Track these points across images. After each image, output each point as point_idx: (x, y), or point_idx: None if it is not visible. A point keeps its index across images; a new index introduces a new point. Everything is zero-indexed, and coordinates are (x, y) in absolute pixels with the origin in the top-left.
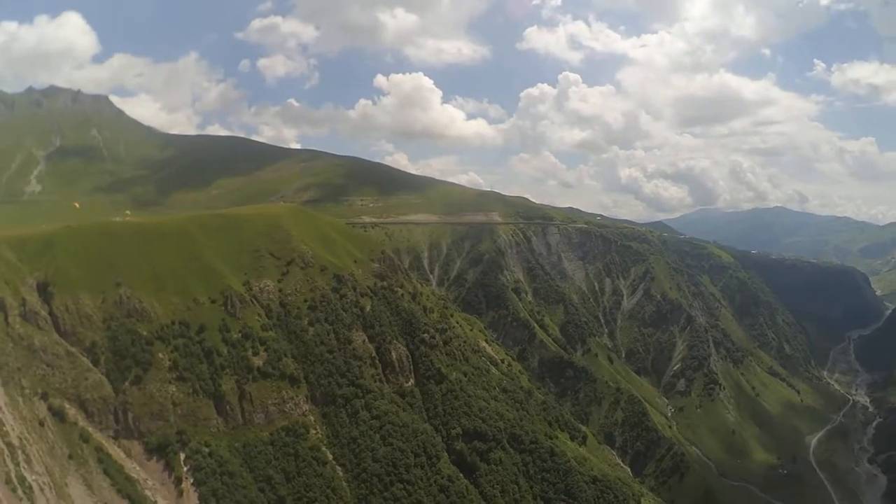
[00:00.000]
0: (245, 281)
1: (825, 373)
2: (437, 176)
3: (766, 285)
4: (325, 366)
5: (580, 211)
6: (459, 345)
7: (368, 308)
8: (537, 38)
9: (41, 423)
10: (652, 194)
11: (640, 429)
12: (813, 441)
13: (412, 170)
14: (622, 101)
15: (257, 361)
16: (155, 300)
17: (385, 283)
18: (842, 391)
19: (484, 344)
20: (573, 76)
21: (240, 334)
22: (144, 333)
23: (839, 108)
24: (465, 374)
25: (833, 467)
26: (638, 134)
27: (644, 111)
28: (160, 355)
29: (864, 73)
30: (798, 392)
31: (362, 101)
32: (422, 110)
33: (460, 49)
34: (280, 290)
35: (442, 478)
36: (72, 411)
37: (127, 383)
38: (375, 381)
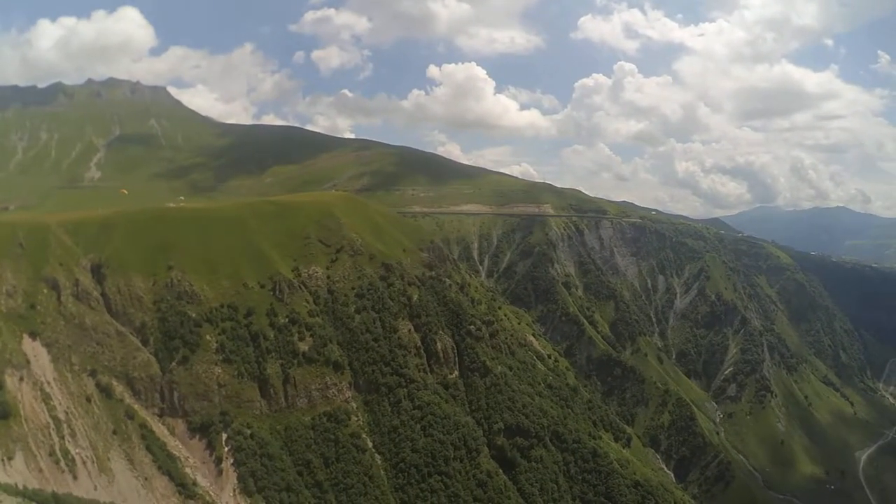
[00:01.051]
0: (294, 267)
1: (881, 385)
2: (490, 167)
3: (824, 289)
4: (370, 354)
5: (634, 205)
6: (506, 338)
7: (416, 297)
8: (592, 27)
9: (88, 399)
10: (709, 190)
11: (687, 433)
12: (863, 456)
13: (465, 160)
14: (680, 92)
15: (303, 346)
16: (205, 283)
17: (433, 273)
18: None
19: (531, 338)
20: (629, 66)
21: (287, 319)
22: (193, 315)
23: None
24: (511, 368)
25: (883, 486)
26: (696, 126)
27: (703, 103)
28: (207, 337)
29: None
30: (852, 404)
31: (415, 92)
32: (475, 100)
33: (513, 38)
34: (328, 277)
35: (481, 472)
36: (119, 388)
37: (174, 363)
38: (419, 372)
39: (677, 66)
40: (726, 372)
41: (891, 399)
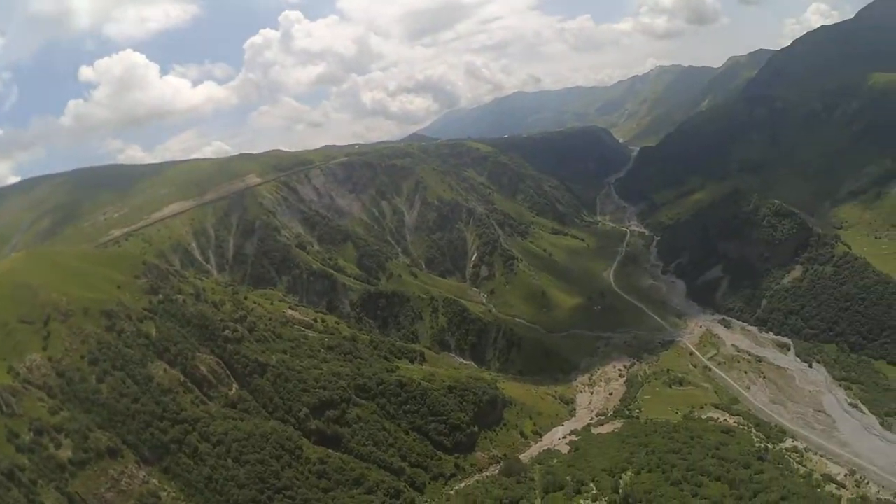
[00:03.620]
0: (8, 367)
1: (598, 217)
2: (180, 157)
3: (525, 161)
4: (137, 418)
5: (337, 146)
6: (265, 325)
7: (154, 332)
8: None
9: None
10: (400, 111)
11: (466, 324)
12: (610, 274)
13: (151, 160)
14: (350, 28)
15: (64, 454)
16: None
17: (161, 297)
18: (617, 227)
19: (291, 312)
20: (294, 14)
21: (31, 433)
22: None
23: None
24: (285, 352)
25: (637, 289)
26: (372, 57)
27: (373, 33)
28: None
29: None
30: (583, 240)
31: (72, 103)
32: (140, 91)
33: (167, 12)
34: (50, 359)
35: (314, 464)
36: None
37: None
38: (198, 406)
39: (341, 5)
40: (473, 259)
41: (611, 224)
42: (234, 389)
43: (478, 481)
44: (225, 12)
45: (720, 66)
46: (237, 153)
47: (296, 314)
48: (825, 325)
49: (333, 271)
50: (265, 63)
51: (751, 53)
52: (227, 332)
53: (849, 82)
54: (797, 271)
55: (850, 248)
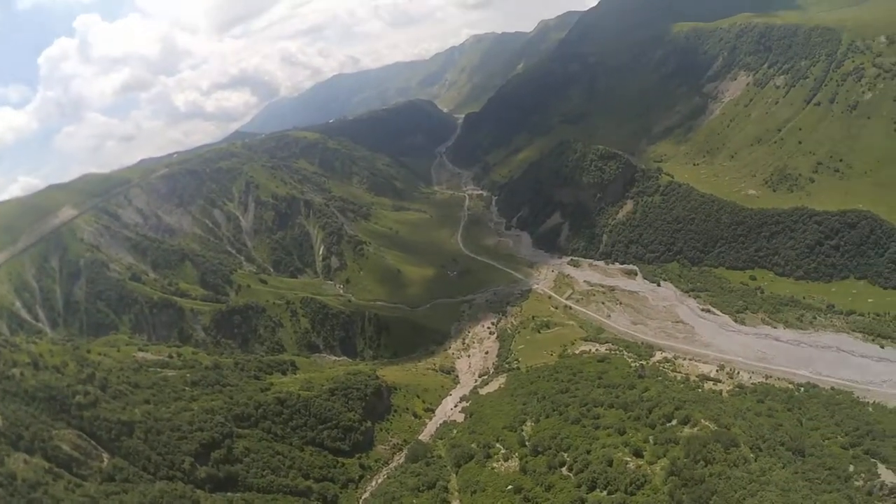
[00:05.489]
0: None
1: (436, 187)
2: None
3: (356, 144)
4: None
5: (155, 158)
6: (118, 377)
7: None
8: None
9: None
10: (217, 109)
11: (328, 319)
12: (458, 240)
13: None
14: (152, 26)
15: None
16: None
17: None
18: (456, 194)
19: (142, 354)
20: (90, 17)
21: None
22: None
23: None
24: (148, 401)
25: (486, 248)
26: (179, 55)
27: (179, 29)
28: None
29: None
30: (425, 212)
31: None
32: None
33: None
34: None
35: None
36: None
37: None
38: (73, 492)
39: (141, 2)
40: (321, 251)
41: (448, 192)
42: (105, 461)
43: (388, 476)
44: (12, 24)
45: (532, 30)
46: (46, 185)
47: (148, 355)
48: (664, 248)
49: (177, 297)
50: (64, 77)
51: (559, 16)
52: (78, 397)
53: (654, 33)
54: (629, 205)
55: (672, 177)
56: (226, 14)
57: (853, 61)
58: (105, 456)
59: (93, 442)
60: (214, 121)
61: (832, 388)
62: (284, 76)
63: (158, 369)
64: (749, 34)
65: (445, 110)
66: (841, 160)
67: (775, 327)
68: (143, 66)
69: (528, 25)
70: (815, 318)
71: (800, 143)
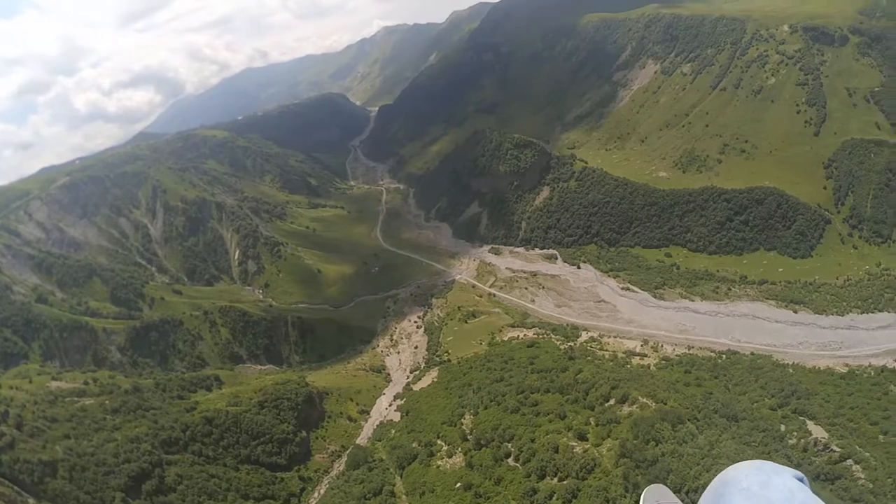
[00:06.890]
0: None
1: (351, 182)
2: None
3: (267, 141)
4: None
5: (56, 166)
6: (33, 413)
7: None
8: None
9: None
10: (120, 109)
11: (251, 328)
12: (377, 235)
13: None
14: (51, 22)
15: None
16: None
17: None
18: (372, 188)
19: (56, 384)
20: None
21: None
22: None
23: None
24: (68, 436)
25: (406, 242)
26: (80, 52)
27: (79, 24)
28: None
29: None
30: (342, 208)
31: None
32: None
33: None
34: None
35: None
36: None
37: None
38: None
39: None
40: (236, 255)
41: (364, 187)
42: None
43: (330, 486)
44: None
45: (444, 21)
46: None
47: (63, 384)
48: (581, 231)
49: (87, 318)
50: None
51: (471, 7)
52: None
53: (564, 24)
54: (546, 192)
55: (586, 163)
56: (129, 6)
57: (757, 49)
58: (31, 501)
59: (15, 487)
60: (117, 122)
61: (752, 353)
62: (190, 72)
63: (75, 398)
64: (657, 24)
65: (358, 103)
66: (746, 141)
67: (693, 300)
68: (41, 66)
69: (440, 16)
70: (729, 289)
71: (707, 126)
